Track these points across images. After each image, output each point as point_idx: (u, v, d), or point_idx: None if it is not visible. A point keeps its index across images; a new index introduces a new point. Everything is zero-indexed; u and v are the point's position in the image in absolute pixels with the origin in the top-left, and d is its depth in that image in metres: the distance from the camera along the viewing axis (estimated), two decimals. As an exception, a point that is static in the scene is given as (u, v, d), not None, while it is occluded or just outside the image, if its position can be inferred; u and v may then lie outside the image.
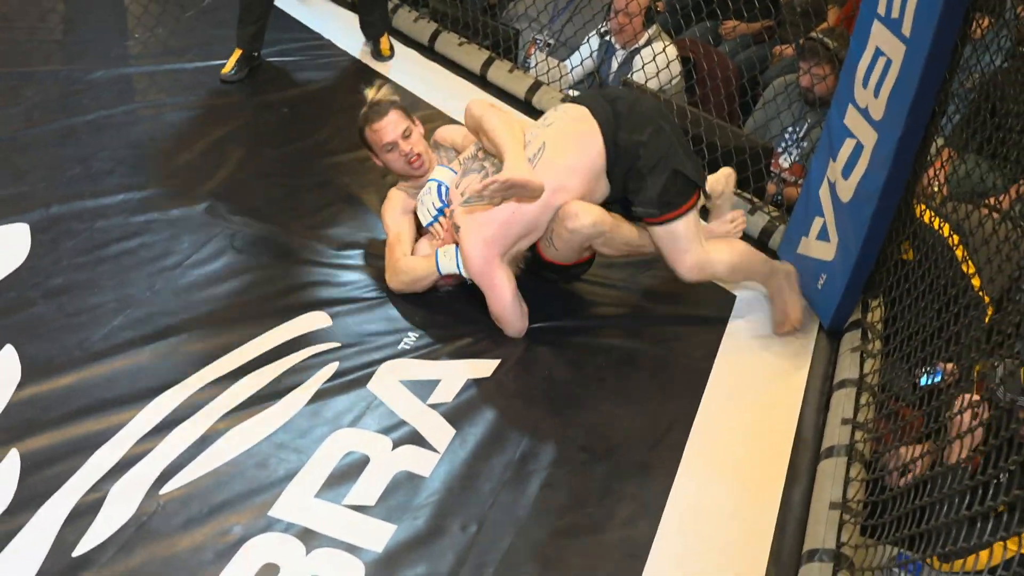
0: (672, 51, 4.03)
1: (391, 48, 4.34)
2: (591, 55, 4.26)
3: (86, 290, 2.76)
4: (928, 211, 2.73)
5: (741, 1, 4.20)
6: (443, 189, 2.90)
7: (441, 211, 2.88)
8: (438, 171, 2.98)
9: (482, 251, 2.71)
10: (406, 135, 2.95)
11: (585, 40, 4.33)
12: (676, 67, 4.01)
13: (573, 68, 4.30)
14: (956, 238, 2.59)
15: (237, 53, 4.04)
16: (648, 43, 4.08)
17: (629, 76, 4.01)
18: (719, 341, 2.86)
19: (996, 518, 1.79)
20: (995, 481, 1.76)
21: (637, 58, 4.05)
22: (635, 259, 2.98)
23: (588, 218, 2.65)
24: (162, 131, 3.64)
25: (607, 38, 4.22)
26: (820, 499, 2.34)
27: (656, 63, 3.93)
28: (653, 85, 3.92)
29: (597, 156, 2.71)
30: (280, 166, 3.46)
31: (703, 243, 2.79)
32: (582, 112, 2.76)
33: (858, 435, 2.47)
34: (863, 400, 2.59)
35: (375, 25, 4.30)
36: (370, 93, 2.99)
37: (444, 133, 3.14)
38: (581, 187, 2.71)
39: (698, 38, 4.42)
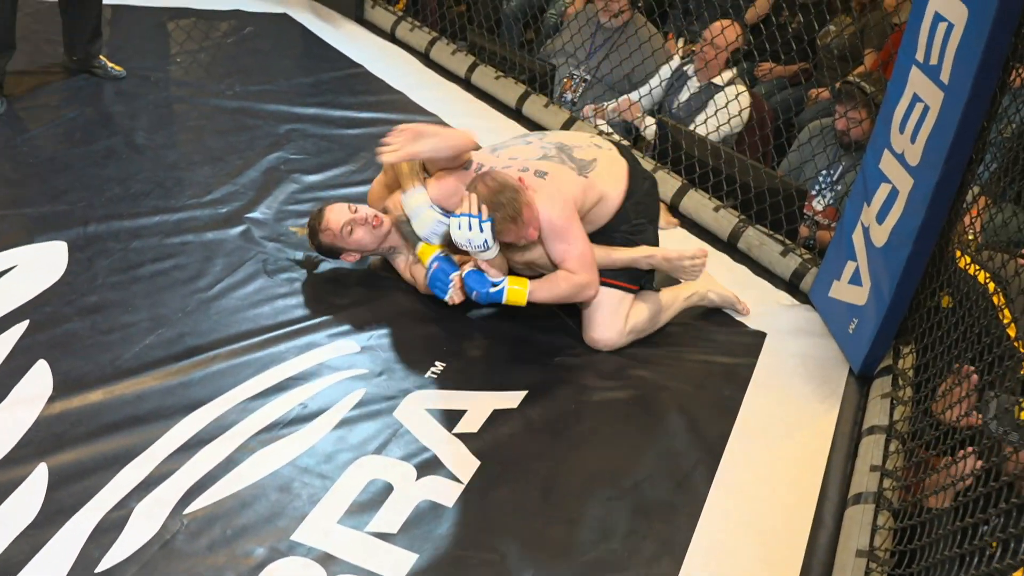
0: (745, 99, 4.04)
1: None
2: (660, 84, 4.29)
3: (120, 309, 2.79)
4: (964, 257, 2.71)
5: (778, 43, 4.22)
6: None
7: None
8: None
9: (564, 204, 2.73)
10: (352, 211, 2.95)
11: (656, 70, 4.37)
12: (746, 115, 4.01)
13: (641, 97, 4.34)
14: (992, 286, 2.57)
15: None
16: (731, 83, 4.10)
17: (702, 114, 4.03)
18: (747, 382, 2.84)
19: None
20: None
21: (720, 95, 4.05)
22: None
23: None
24: (200, 155, 3.69)
25: (684, 67, 4.25)
26: (846, 546, 2.30)
27: (728, 109, 3.93)
28: (724, 130, 3.93)
29: (616, 201, 2.88)
30: (316, 193, 3.49)
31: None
32: (623, 164, 2.94)
33: (886, 483, 2.44)
34: (892, 447, 2.56)
35: (91, 53, 4.12)
36: (297, 231, 3.12)
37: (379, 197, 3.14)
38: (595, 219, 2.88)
39: (734, 79, 4.43)
